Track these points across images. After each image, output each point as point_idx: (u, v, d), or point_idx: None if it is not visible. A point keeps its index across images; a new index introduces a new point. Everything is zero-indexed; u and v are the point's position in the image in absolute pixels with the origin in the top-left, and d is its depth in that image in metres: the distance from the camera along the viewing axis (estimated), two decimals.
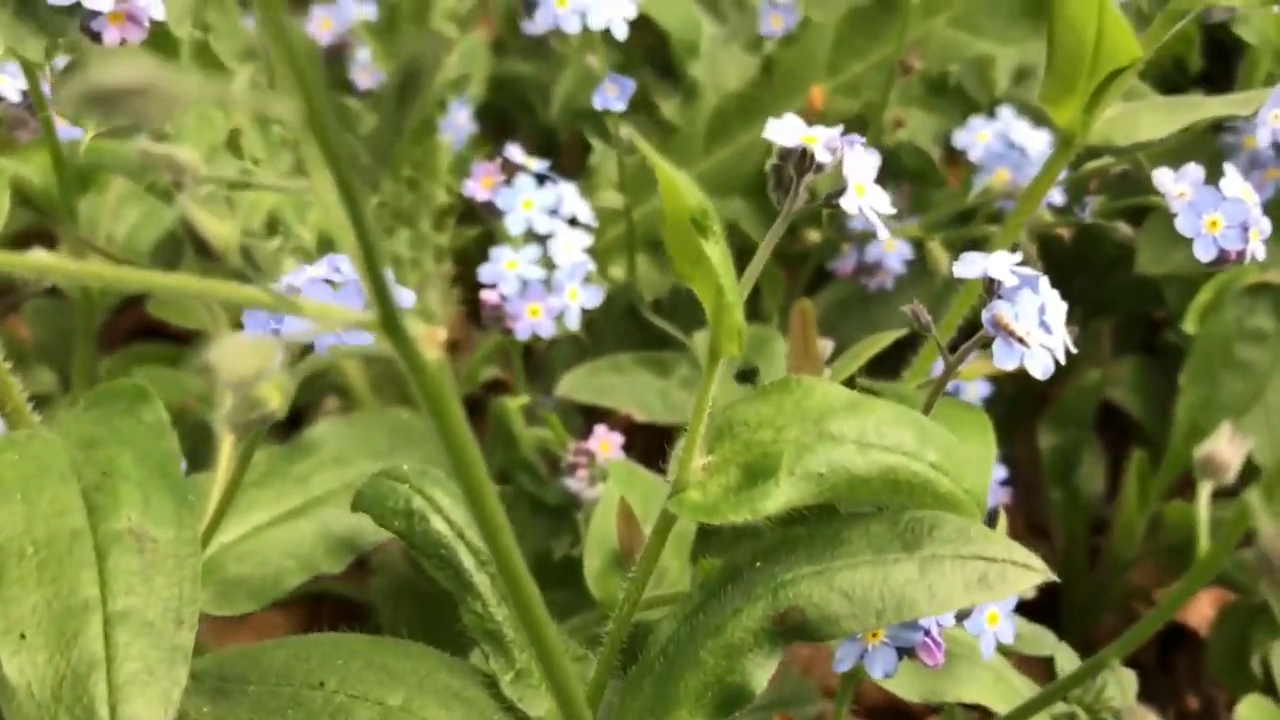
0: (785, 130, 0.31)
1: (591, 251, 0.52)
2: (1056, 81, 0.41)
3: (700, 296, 0.33)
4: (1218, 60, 0.63)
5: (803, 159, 0.31)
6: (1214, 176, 0.42)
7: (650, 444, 0.63)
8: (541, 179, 0.50)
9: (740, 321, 0.31)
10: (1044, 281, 0.36)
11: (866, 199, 0.32)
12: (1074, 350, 0.36)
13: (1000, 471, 0.55)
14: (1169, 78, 0.65)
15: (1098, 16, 0.38)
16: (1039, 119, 0.56)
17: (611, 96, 0.50)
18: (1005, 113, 0.56)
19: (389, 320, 0.23)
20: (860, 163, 0.31)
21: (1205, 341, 0.57)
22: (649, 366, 0.59)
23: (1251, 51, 0.57)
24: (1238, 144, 0.54)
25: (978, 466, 0.41)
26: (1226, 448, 0.33)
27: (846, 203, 0.31)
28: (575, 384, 0.58)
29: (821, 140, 0.31)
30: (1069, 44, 0.39)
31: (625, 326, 0.62)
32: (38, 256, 0.24)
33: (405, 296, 0.38)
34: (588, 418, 0.62)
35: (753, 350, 0.52)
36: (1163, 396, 0.63)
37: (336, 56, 0.64)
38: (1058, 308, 0.36)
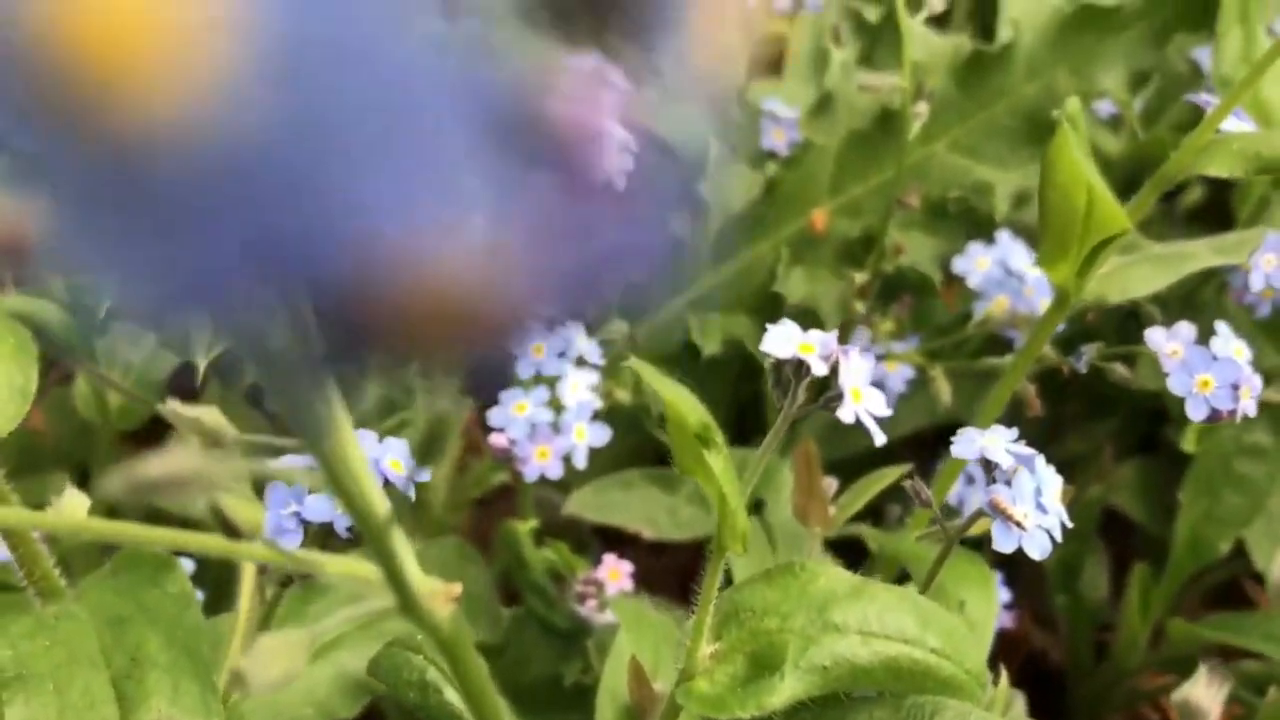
0: (781, 342, 0.33)
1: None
2: (1050, 244, 0.42)
3: (705, 489, 0.34)
4: None
5: (799, 366, 0.33)
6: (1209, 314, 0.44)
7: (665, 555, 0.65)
8: (550, 323, 0.51)
9: (744, 524, 0.33)
10: (1040, 461, 0.37)
11: (863, 404, 0.33)
12: (1069, 525, 0.38)
13: (1004, 594, 0.56)
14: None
15: (1086, 189, 0.39)
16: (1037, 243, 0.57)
17: None
18: (1004, 239, 0.57)
19: (400, 588, 0.24)
20: (855, 369, 0.33)
21: (1205, 458, 0.58)
22: (656, 483, 0.60)
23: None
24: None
25: (980, 630, 0.42)
26: (1205, 691, 0.34)
27: (844, 413, 0.33)
28: (583, 502, 0.60)
29: (818, 348, 0.33)
30: (1060, 210, 0.41)
31: (633, 442, 0.63)
32: (71, 512, 0.25)
33: (422, 473, 0.40)
34: (601, 531, 0.63)
35: (761, 482, 0.54)
36: (1166, 498, 0.65)
37: None
38: (1054, 485, 0.37)
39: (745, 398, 0.66)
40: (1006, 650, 0.56)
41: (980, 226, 0.59)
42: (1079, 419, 0.67)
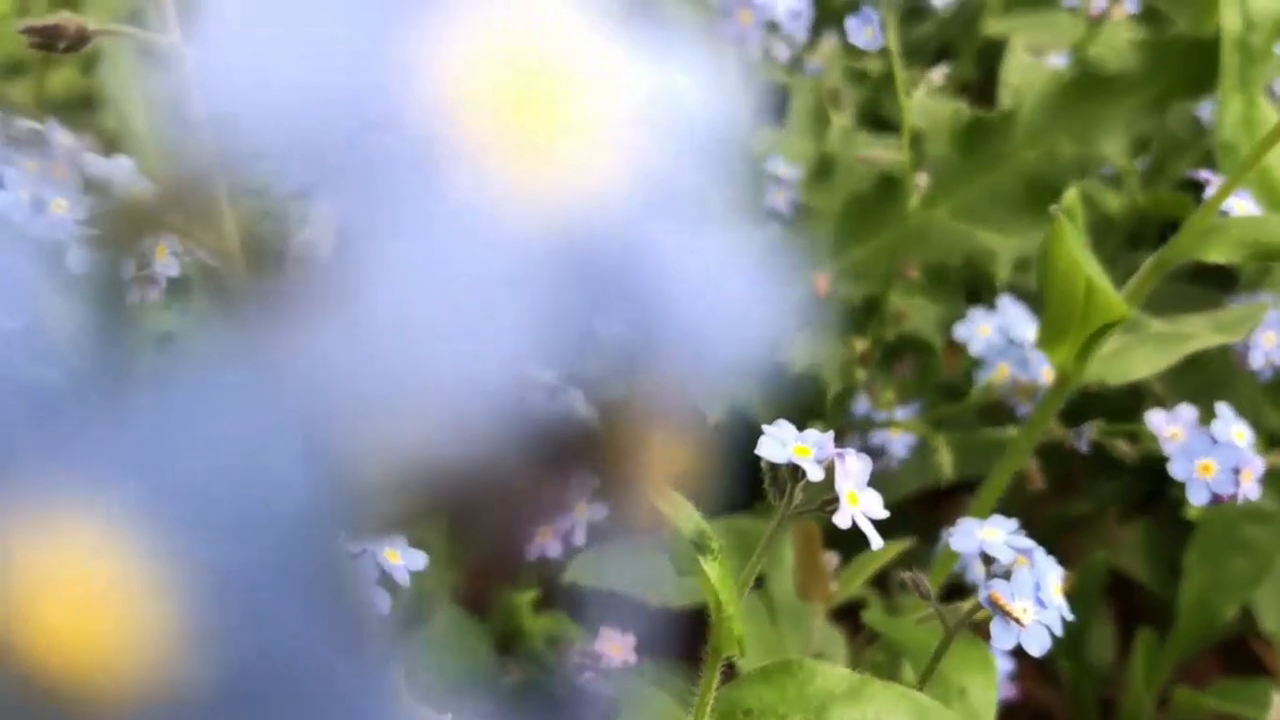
0: (776, 446, 0.33)
1: None
2: (1050, 327, 0.42)
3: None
4: None
5: (795, 470, 0.33)
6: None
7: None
8: (554, 391, 0.51)
9: (739, 629, 0.33)
10: (1040, 553, 0.37)
11: (860, 506, 0.33)
12: (1070, 618, 0.38)
13: (1006, 663, 0.56)
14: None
15: (1084, 280, 0.39)
16: (1039, 307, 0.58)
17: None
18: (1006, 305, 0.57)
19: None
20: (851, 472, 0.33)
21: (1210, 524, 0.58)
22: (658, 548, 0.60)
23: None
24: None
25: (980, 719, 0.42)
26: None
27: (840, 518, 0.33)
28: (582, 568, 0.59)
29: (813, 451, 0.33)
30: (1059, 296, 0.41)
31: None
32: None
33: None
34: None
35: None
36: (1171, 558, 0.64)
37: None
38: (1054, 577, 0.37)
39: (752, 460, 0.66)
40: (1010, 714, 0.56)
41: (982, 291, 0.59)
42: (1082, 480, 0.67)
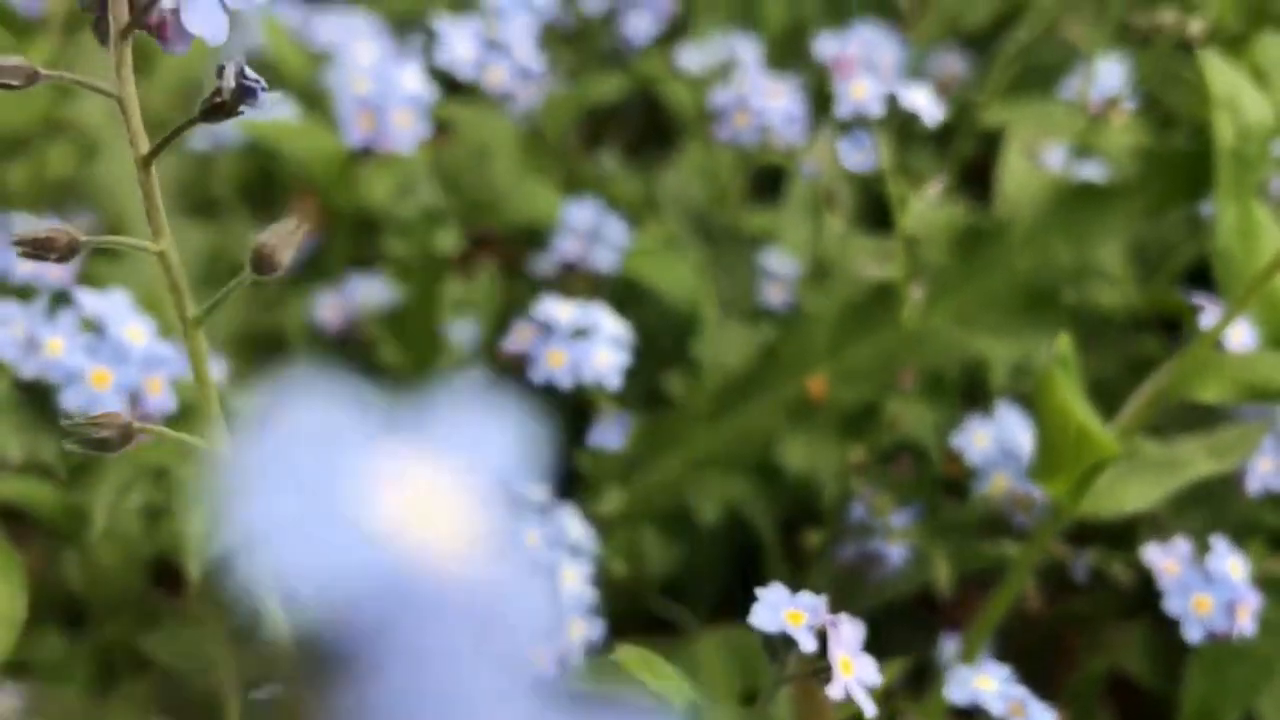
0: (769, 614, 0.33)
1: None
2: (1044, 461, 0.42)
3: None
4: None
5: (788, 639, 0.33)
6: None
7: None
8: (544, 510, 0.52)
9: None
10: (1033, 702, 0.37)
11: (854, 674, 0.33)
12: None
13: None
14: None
15: (1076, 425, 0.40)
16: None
17: (609, 434, 0.52)
18: (1004, 413, 0.57)
19: None
20: (845, 639, 0.33)
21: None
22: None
23: None
24: None
25: None
26: None
27: (834, 689, 0.33)
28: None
29: (806, 617, 0.33)
30: (1054, 429, 0.41)
31: (624, 607, 0.64)
32: None
33: None
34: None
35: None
36: (1173, 659, 0.64)
37: (347, 340, 0.66)
38: None
39: (746, 559, 0.66)
40: None
41: (980, 396, 0.59)
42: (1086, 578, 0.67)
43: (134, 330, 0.44)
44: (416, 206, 0.61)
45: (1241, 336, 0.45)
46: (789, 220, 0.75)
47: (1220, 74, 0.57)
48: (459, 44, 0.59)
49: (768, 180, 0.88)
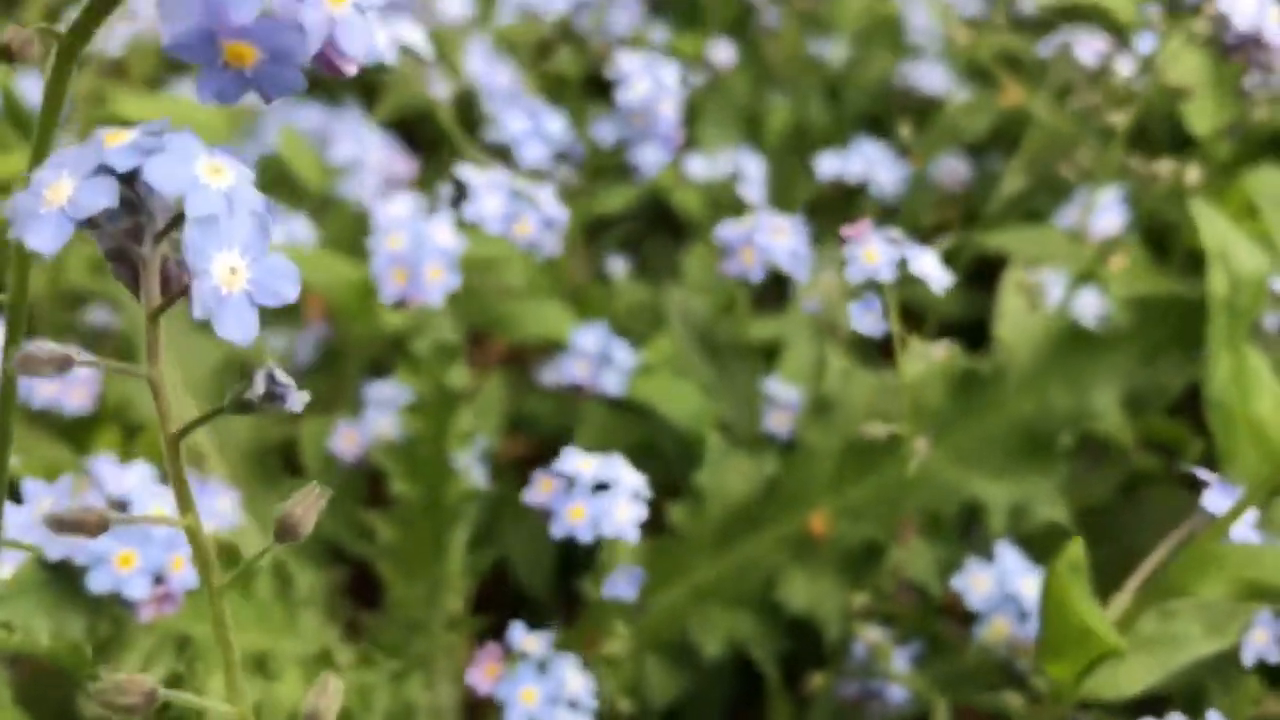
0: None
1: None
2: (1049, 646, 0.43)
3: None
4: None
5: None
6: None
7: None
8: (542, 665, 0.52)
9: None
10: None
11: None
12: None
13: None
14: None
15: (1079, 619, 0.40)
16: (1039, 556, 0.58)
17: (623, 586, 0.52)
18: (1003, 555, 0.58)
19: None
20: None
21: None
22: None
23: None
24: None
25: None
26: None
27: None
28: None
29: None
30: (1059, 621, 0.42)
31: None
32: None
33: None
34: None
35: None
36: None
37: (360, 468, 0.67)
38: None
39: (748, 691, 0.66)
40: None
41: (980, 538, 0.59)
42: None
43: (159, 508, 0.45)
44: (431, 341, 0.61)
45: (1245, 523, 0.45)
46: (792, 333, 0.76)
47: (1213, 225, 0.57)
48: (487, 199, 0.59)
49: (773, 282, 0.88)
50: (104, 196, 0.26)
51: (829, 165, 0.79)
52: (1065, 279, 0.71)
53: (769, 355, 0.83)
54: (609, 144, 0.69)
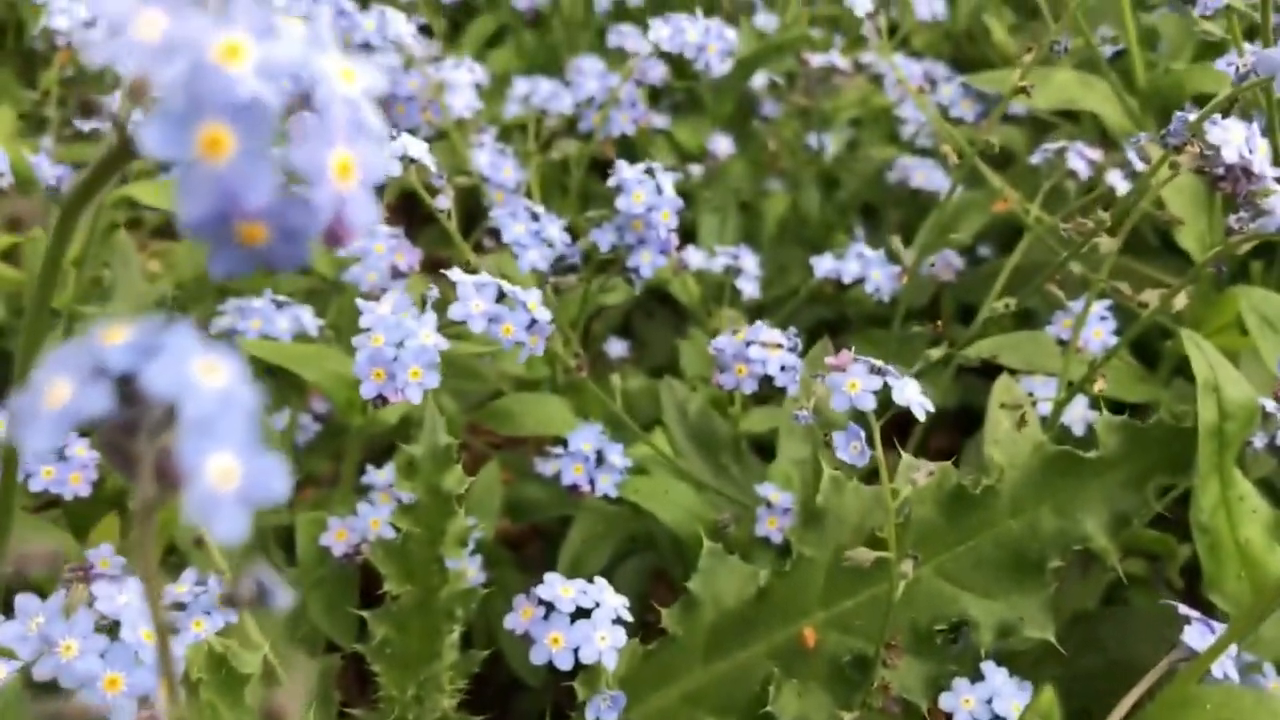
0: None
1: None
2: None
3: None
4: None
5: None
6: None
7: None
8: None
9: None
10: None
11: None
12: None
13: None
14: None
15: None
16: (1026, 674, 0.58)
17: (603, 708, 0.52)
18: (991, 674, 0.57)
19: None
20: None
21: None
22: None
23: None
24: None
25: None
26: None
27: None
28: None
29: None
30: None
31: None
32: None
33: None
34: None
35: None
36: None
37: (349, 560, 0.66)
38: None
39: None
40: None
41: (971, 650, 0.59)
42: None
43: (147, 632, 0.44)
44: (426, 446, 0.61)
45: (1225, 662, 0.45)
46: (787, 428, 0.76)
47: (1201, 356, 0.57)
48: (472, 300, 0.59)
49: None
50: (101, 401, 0.26)
51: (825, 265, 0.79)
52: (1055, 386, 0.71)
53: (765, 448, 0.83)
54: (607, 248, 0.69)
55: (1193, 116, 0.57)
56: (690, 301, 0.92)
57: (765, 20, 1.13)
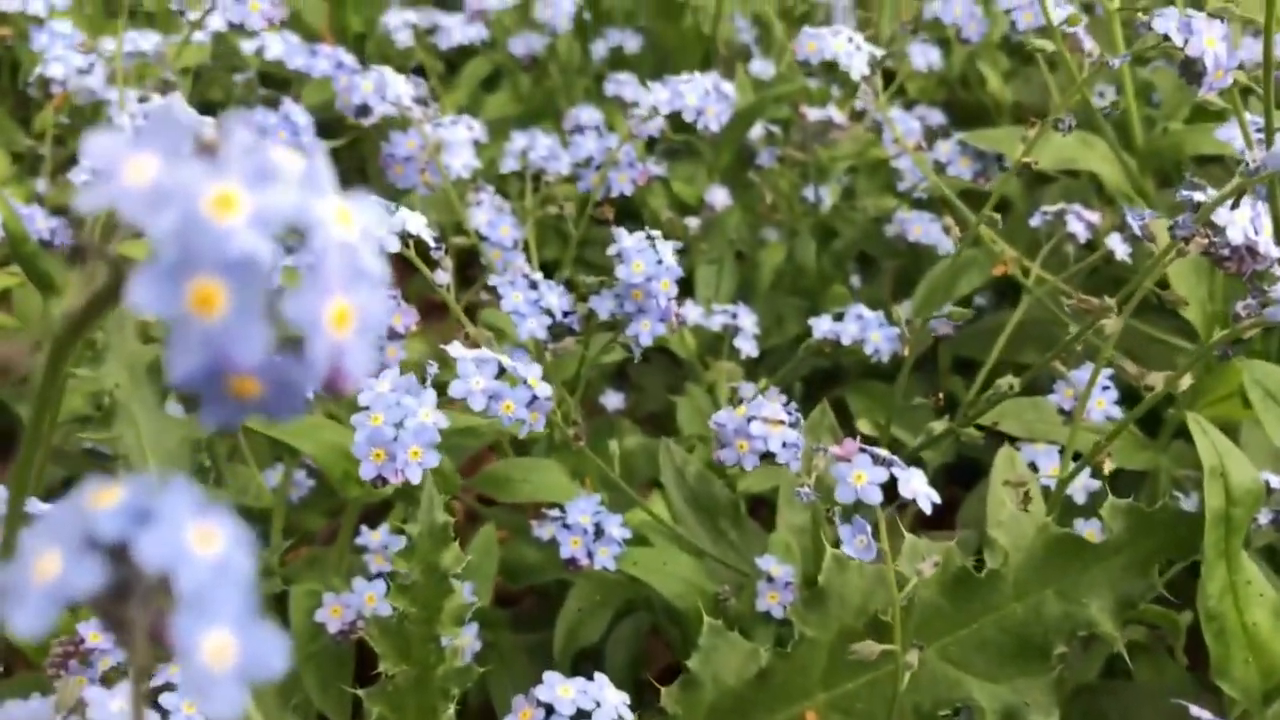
0: None
1: None
2: None
3: None
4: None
5: None
6: None
7: None
8: None
9: None
10: None
11: None
12: None
13: None
14: None
15: None
16: None
17: None
18: None
19: None
20: None
21: None
22: None
23: None
24: None
25: None
26: None
27: None
28: None
29: None
30: None
31: None
32: None
33: None
34: None
35: None
36: None
37: (344, 638, 0.65)
38: None
39: None
40: None
41: None
42: None
43: None
44: (424, 524, 0.60)
45: None
46: (788, 490, 0.74)
47: (1208, 440, 0.56)
48: (473, 377, 0.58)
49: None
50: (92, 575, 0.24)
51: (824, 326, 0.78)
52: (1057, 455, 0.70)
53: (765, 503, 0.82)
54: (606, 316, 0.68)
55: (1198, 195, 0.56)
56: (688, 355, 0.91)
57: (761, 67, 1.13)
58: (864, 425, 0.80)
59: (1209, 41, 0.58)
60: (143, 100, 0.85)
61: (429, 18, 1.23)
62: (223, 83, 1.24)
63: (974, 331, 0.92)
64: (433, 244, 0.62)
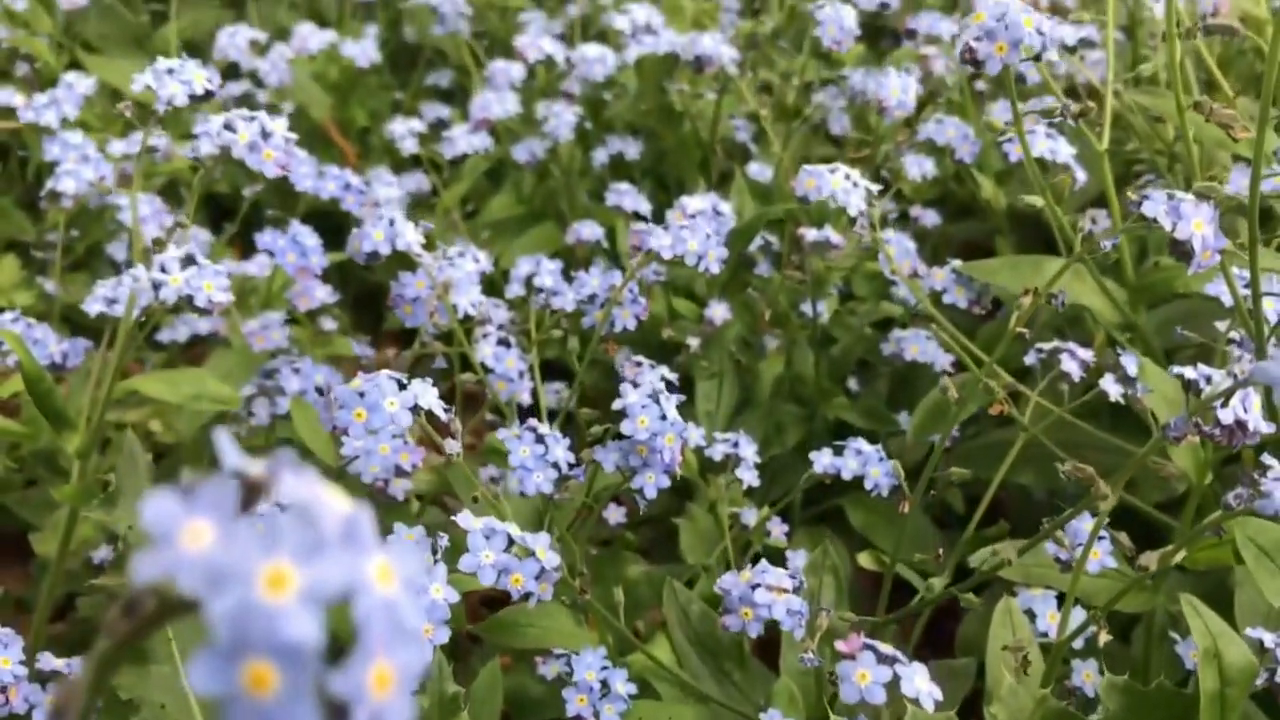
0: None
1: None
2: None
3: None
4: None
5: None
6: None
7: None
8: None
9: None
10: None
11: None
12: None
13: None
14: None
15: None
16: None
17: None
18: None
19: None
20: None
21: None
22: None
23: None
24: None
25: None
26: None
27: None
28: None
29: None
30: None
31: None
32: None
33: None
34: None
35: None
36: None
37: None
38: None
39: None
40: None
41: None
42: None
43: None
44: (433, 695, 0.61)
45: None
46: (788, 638, 0.75)
47: (1201, 622, 0.58)
48: (482, 551, 0.60)
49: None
50: None
51: (824, 461, 0.79)
52: (1054, 602, 0.71)
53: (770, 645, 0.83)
54: (611, 470, 0.69)
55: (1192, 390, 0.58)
56: (689, 473, 0.92)
57: (759, 170, 1.14)
58: (866, 560, 0.81)
59: (1196, 225, 0.59)
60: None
61: (435, 111, 1.24)
62: (230, 176, 1.26)
63: (974, 447, 0.94)
64: (443, 414, 0.63)
